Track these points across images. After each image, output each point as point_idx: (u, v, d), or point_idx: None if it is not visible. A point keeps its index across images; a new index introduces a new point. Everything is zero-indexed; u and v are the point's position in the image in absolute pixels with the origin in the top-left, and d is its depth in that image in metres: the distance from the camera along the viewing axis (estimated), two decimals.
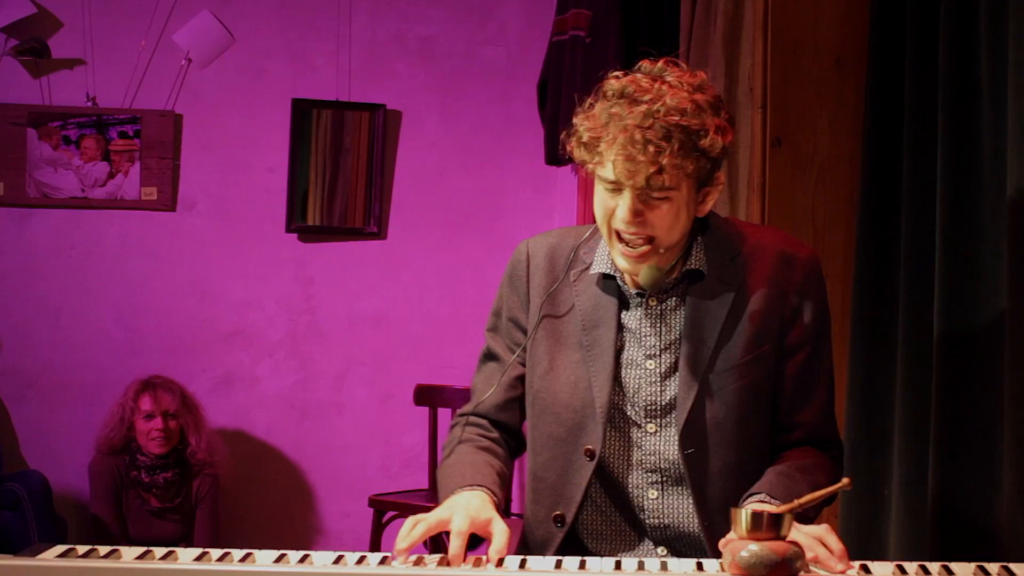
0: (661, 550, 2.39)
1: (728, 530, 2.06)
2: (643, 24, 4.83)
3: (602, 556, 2.35)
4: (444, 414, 5.52)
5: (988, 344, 3.01)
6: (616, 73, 2.31)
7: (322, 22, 5.84)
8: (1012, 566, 2.08)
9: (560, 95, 5.21)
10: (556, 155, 5.28)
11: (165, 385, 5.28)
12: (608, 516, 2.41)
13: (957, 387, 3.10)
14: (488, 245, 5.94)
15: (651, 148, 2.20)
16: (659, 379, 2.38)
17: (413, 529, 2.17)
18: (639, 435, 2.38)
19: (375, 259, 5.91)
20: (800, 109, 3.58)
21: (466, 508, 2.21)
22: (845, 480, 2.14)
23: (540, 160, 5.49)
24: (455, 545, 2.13)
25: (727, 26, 3.85)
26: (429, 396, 5.57)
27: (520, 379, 2.50)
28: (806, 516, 2.28)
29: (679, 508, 2.38)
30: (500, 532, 2.17)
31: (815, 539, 2.12)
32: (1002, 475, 2.94)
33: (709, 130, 2.25)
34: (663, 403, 2.37)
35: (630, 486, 2.39)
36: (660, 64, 2.32)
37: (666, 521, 2.38)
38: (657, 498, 2.38)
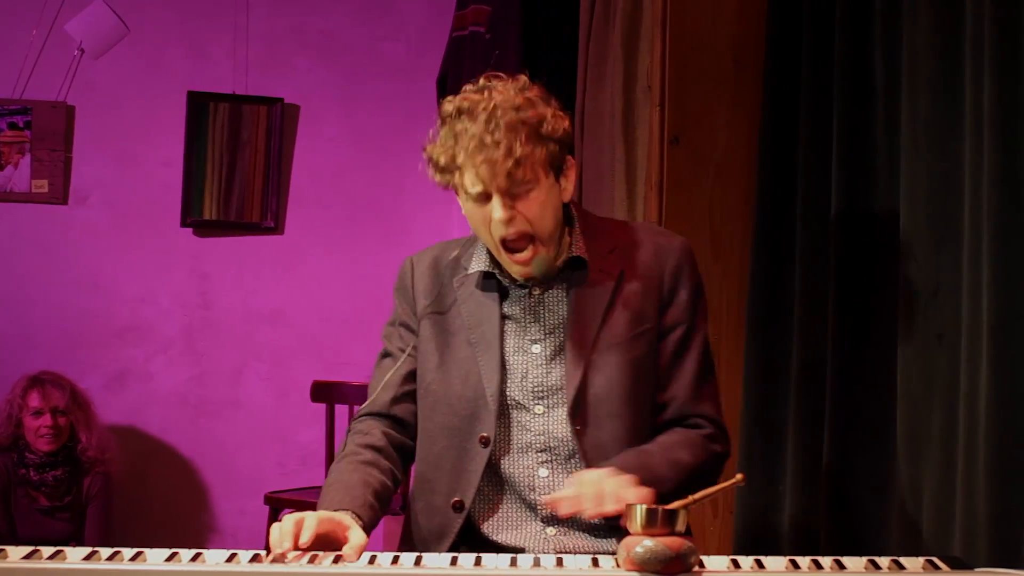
0: (551, 531, 2.47)
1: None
2: (543, 21, 4.83)
3: (495, 539, 2.47)
4: (341, 410, 5.48)
5: (881, 340, 3.05)
6: (448, 98, 2.51)
7: (219, 14, 5.77)
8: (903, 560, 2.10)
9: (460, 91, 5.19)
10: None
11: (55, 381, 5.18)
12: (501, 499, 2.51)
13: (851, 383, 3.15)
14: (387, 241, 5.91)
15: (502, 146, 2.37)
16: (545, 362, 2.51)
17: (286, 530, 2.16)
18: (528, 418, 2.50)
19: (272, 254, 5.86)
20: (698, 107, 3.60)
21: (325, 514, 2.25)
22: (739, 476, 2.16)
23: None
24: (305, 532, 2.13)
25: (626, 24, 3.86)
26: (326, 392, 5.52)
27: (413, 374, 2.62)
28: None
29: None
30: (357, 536, 2.21)
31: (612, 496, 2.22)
32: (895, 470, 2.98)
33: (546, 117, 2.44)
34: (549, 384, 2.50)
35: (522, 467, 2.49)
36: (482, 80, 2.52)
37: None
38: (547, 476, 2.48)
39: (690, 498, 2.07)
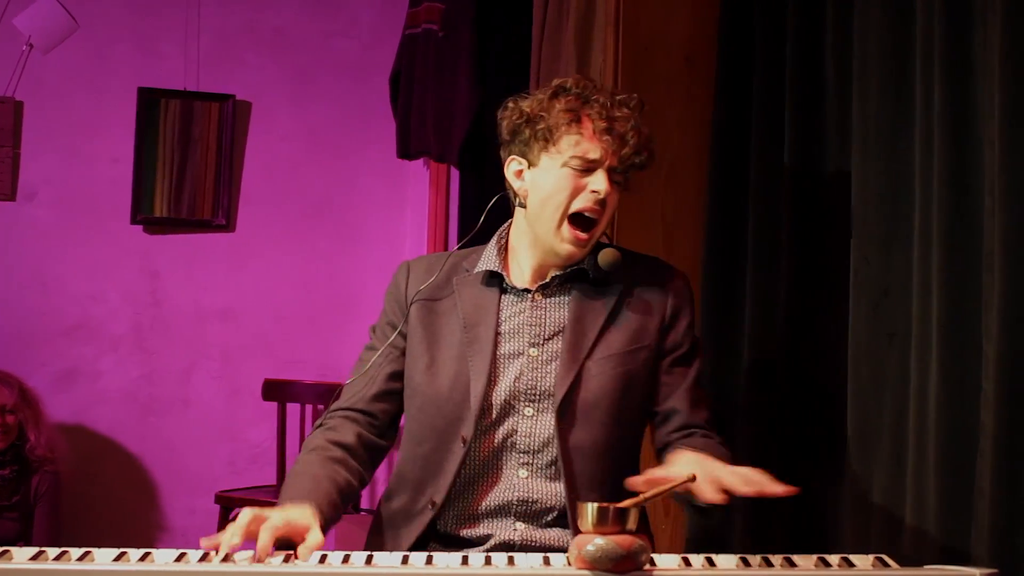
0: (521, 525, 2.49)
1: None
2: (497, 19, 4.84)
3: (463, 534, 2.49)
4: (293, 409, 5.46)
5: (832, 340, 3.07)
6: (557, 79, 2.56)
7: (170, 10, 5.72)
8: (852, 557, 2.11)
9: (412, 89, 5.19)
10: (408, 148, 5.27)
11: (2, 379, 5.12)
12: (476, 498, 2.51)
13: (802, 381, 3.16)
14: (339, 238, 5.90)
15: (631, 127, 2.48)
16: (540, 365, 2.53)
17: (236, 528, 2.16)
18: (516, 419, 2.51)
19: (223, 252, 5.82)
20: (650, 107, 3.58)
21: (286, 512, 2.24)
22: (690, 474, 2.16)
23: (392, 153, 5.46)
24: (262, 539, 2.13)
25: (579, 23, 3.86)
26: (277, 391, 5.51)
27: (397, 374, 2.62)
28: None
29: (548, 487, 2.49)
30: (314, 537, 2.20)
31: (742, 478, 2.23)
32: (845, 468, 3.00)
33: (644, 128, 2.53)
34: (542, 388, 2.51)
35: (502, 468, 2.51)
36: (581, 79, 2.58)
37: (534, 497, 2.49)
38: (527, 477, 2.50)
39: (641, 496, 2.08)
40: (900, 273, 2.83)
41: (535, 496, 2.49)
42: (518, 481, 2.50)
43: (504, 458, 2.51)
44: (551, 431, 2.49)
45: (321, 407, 5.53)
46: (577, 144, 2.47)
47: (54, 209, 5.67)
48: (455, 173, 5.41)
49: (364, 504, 5.58)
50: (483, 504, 2.50)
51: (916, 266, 2.75)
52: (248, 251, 5.84)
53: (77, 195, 5.68)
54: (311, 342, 5.81)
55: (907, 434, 2.77)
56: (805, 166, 3.18)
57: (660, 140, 3.58)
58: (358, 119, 5.89)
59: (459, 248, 2.71)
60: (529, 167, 2.54)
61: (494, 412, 2.51)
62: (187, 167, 5.75)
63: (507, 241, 2.64)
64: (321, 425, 2.61)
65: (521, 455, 2.50)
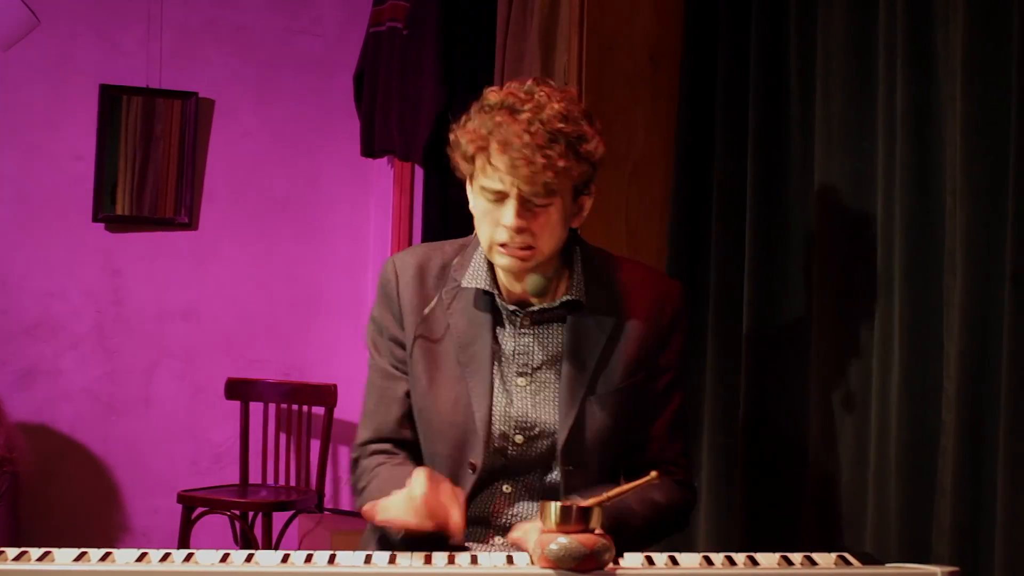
0: (499, 539, 2.44)
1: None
2: (461, 18, 4.83)
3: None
4: (255, 408, 5.44)
5: (795, 339, 3.08)
6: (492, 88, 2.39)
7: (132, 6, 5.69)
8: (815, 556, 2.12)
9: (377, 87, 5.18)
10: (372, 147, 5.26)
11: None
12: (469, 518, 2.41)
13: (765, 380, 3.17)
14: (302, 237, 5.88)
15: (539, 153, 2.26)
16: (530, 396, 2.45)
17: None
18: (507, 445, 2.44)
19: (186, 250, 5.79)
20: (615, 106, 3.61)
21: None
22: (653, 473, 2.16)
23: (356, 152, 5.44)
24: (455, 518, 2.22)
25: (543, 22, 3.87)
26: (240, 390, 5.49)
27: (409, 392, 2.52)
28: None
29: (533, 508, 2.44)
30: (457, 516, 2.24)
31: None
32: (808, 468, 3.01)
33: (588, 136, 2.34)
34: (534, 417, 2.44)
35: (493, 493, 2.45)
36: (530, 83, 2.38)
37: (516, 511, 2.45)
38: (510, 492, 2.46)
39: (605, 495, 2.08)
40: (862, 271, 2.84)
41: (518, 511, 2.45)
42: (502, 497, 2.45)
43: (496, 484, 2.45)
44: (543, 461, 2.44)
45: (284, 406, 5.52)
46: (484, 172, 2.33)
47: (15, 206, 5.63)
48: (419, 172, 5.40)
49: (327, 504, 5.57)
50: (469, 521, 2.40)
51: (879, 264, 2.77)
52: (211, 249, 5.81)
53: (38, 192, 5.64)
54: (274, 341, 5.80)
55: (869, 433, 2.78)
56: (769, 164, 3.19)
57: (624, 140, 3.61)
58: (322, 117, 5.88)
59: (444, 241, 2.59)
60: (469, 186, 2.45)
61: (496, 439, 2.44)
62: (149, 165, 5.72)
63: None
64: (359, 459, 2.52)
65: (512, 482, 2.45)
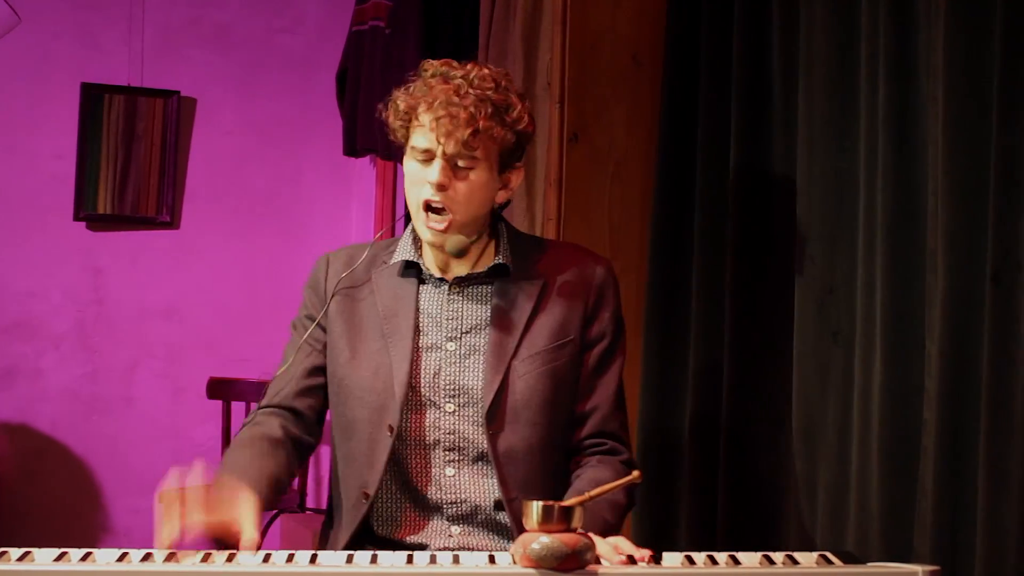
0: (456, 529, 2.48)
1: None
2: (444, 17, 4.82)
3: (397, 536, 2.47)
4: (238, 407, 5.43)
5: (777, 339, 3.08)
6: (431, 60, 2.53)
7: (114, 5, 5.67)
8: (797, 555, 2.12)
9: (359, 86, 5.17)
10: (354, 146, 5.25)
11: None
12: (407, 495, 2.50)
13: (747, 381, 3.17)
14: (284, 236, 5.87)
15: (464, 111, 2.39)
16: (459, 360, 2.51)
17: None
18: (438, 415, 2.49)
19: (168, 249, 5.78)
20: (597, 105, 3.61)
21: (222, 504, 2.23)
22: (635, 473, 2.17)
23: (338, 150, 5.43)
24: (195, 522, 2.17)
25: (526, 20, 3.86)
26: (222, 389, 5.47)
27: (319, 369, 2.60)
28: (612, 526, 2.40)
29: (475, 486, 2.48)
30: (248, 534, 2.20)
31: (612, 547, 2.16)
32: (790, 466, 3.02)
33: (516, 106, 2.46)
34: (462, 384, 2.49)
35: (429, 464, 2.49)
36: (470, 64, 2.52)
37: (462, 497, 2.48)
38: (454, 475, 2.48)
39: (587, 495, 2.08)
40: (844, 272, 2.85)
41: (463, 495, 2.48)
42: (445, 480, 2.48)
43: (431, 455, 2.48)
44: (478, 433, 2.47)
45: None
46: (415, 134, 2.46)
47: None
48: (401, 171, 5.38)
49: (310, 503, 5.56)
50: (415, 504, 2.49)
51: (861, 264, 2.77)
52: (192, 248, 5.80)
53: (19, 191, 5.62)
54: (256, 340, 5.78)
55: (851, 432, 2.78)
56: (751, 165, 3.20)
57: (607, 138, 3.61)
58: (304, 116, 5.87)
59: (378, 239, 2.69)
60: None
61: (418, 403, 2.49)
62: (131, 163, 5.71)
63: None
64: (248, 422, 2.60)
65: (447, 452, 2.48)
